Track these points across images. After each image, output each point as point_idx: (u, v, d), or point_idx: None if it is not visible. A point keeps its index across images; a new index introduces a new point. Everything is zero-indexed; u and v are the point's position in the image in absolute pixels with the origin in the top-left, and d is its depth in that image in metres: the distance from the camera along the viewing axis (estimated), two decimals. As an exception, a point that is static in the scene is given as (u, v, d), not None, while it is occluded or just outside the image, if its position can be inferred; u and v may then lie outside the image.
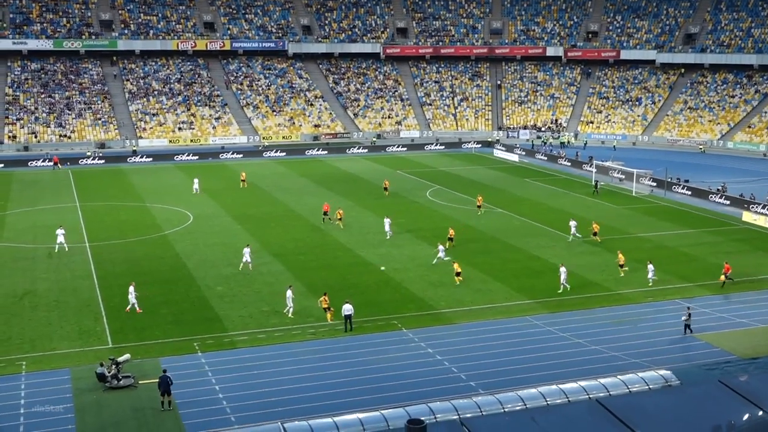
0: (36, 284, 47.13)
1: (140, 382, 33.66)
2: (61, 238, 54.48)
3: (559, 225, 62.17)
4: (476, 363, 36.13)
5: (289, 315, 41.61)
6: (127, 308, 42.29)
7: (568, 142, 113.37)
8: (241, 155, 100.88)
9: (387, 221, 58.81)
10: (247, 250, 49.98)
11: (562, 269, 46.29)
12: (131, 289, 42.76)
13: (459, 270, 48.09)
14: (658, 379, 28.10)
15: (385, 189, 74.92)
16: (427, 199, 73.07)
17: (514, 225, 62.63)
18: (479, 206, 66.68)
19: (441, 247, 51.50)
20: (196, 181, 77.05)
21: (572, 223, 58.76)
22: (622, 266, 49.13)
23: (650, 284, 47.28)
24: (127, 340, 38.42)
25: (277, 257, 53.10)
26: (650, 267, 47.91)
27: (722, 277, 47.56)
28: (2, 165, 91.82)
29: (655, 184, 79.15)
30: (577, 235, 58.01)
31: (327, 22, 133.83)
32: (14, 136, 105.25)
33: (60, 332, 39.48)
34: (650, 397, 26.00)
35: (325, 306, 41.16)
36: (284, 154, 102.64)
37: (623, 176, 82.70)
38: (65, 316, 41.76)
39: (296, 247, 55.91)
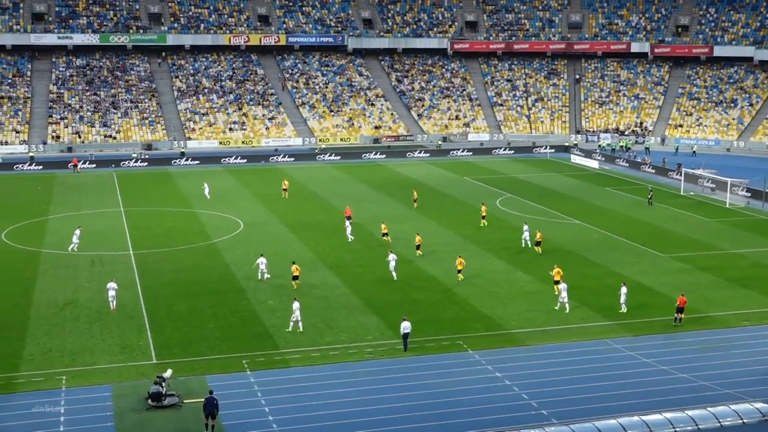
0: (78, 293, 48.24)
1: (185, 401, 34.14)
2: (75, 239, 57.12)
3: (642, 239, 61.30)
4: (549, 389, 35.78)
5: (300, 329, 41.95)
6: (113, 308, 45.02)
7: (626, 146, 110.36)
8: (294, 158, 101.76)
9: (348, 225, 61.56)
10: (262, 260, 50.64)
11: (563, 285, 45.56)
12: (112, 284, 45.69)
13: (461, 267, 50.42)
14: (754, 412, 27.59)
15: (415, 201, 73.54)
16: (496, 209, 72.70)
17: (593, 238, 61.93)
18: (483, 217, 65.89)
19: (392, 256, 51.20)
20: (206, 186, 77.57)
21: (525, 227, 59.15)
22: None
23: (622, 310, 45.08)
24: (171, 356, 39.06)
25: (333, 269, 53.42)
26: (623, 290, 45.56)
27: (676, 313, 43.80)
28: (41, 167, 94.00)
29: (751, 194, 77.47)
30: (528, 241, 58.35)
31: (390, 15, 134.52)
32: (58, 137, 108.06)
33: (101, 345, 40.31)
34: (744, 433, 25.49)
35: (296, 274, 48.25)
36: (339, 157, 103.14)
37: (714, 185, 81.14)
38: (107, 328, 42.63)
39: (353, 259, 56.19)
